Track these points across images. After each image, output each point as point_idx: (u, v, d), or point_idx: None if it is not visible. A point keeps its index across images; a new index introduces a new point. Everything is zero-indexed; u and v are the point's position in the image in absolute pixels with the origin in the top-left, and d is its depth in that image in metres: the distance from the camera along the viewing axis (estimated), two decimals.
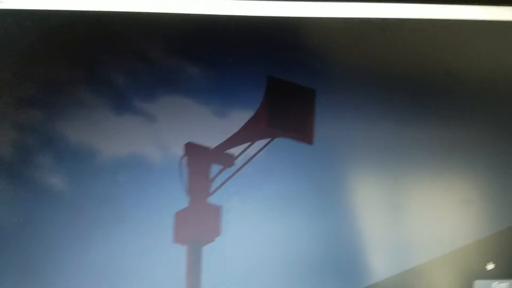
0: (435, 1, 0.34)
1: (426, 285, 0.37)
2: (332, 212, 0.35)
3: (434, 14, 0.34)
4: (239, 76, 0.34)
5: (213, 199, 0.35)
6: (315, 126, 0.35)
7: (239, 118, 0.34)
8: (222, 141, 0.34)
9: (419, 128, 0.35)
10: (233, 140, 0.34)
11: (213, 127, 0.34)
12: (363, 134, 0.35)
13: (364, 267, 0.36)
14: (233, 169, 0.35)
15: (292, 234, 0.35)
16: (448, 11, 0.34)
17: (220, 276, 0.35)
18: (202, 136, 0.34)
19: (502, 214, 0.36)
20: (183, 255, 0.34)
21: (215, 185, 0.35)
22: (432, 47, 0.35)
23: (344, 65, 0.34)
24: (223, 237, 0.35)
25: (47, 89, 0.33)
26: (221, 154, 0.34)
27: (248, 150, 0.35)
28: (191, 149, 0.34)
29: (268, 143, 0.35)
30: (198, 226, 0.34)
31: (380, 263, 0.36)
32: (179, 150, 0.34)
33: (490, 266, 0.36)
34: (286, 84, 0.34)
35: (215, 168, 0.35)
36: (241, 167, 0.35)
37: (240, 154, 0.35)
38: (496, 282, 0.36)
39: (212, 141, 0.34)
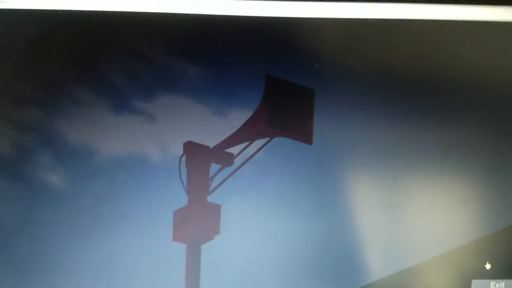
0: (434, 2, 0.34)
1: (424, 284, 0.37)
2: (331, 211, 0.35)
3: (433, 15, 0.34)
4: (238, 76, 0.34)
5: (212, 198, 0.35)
6: (314, 126, 0.35)
7: (238, 117, 0.34)
8: (221, 140, 0.34)
9: (418, 129, 0.35)
10: (232, 140, 0.35)
11: (212, 126, 0.34)
12: (362, 134, 0.35)
13: (362, 266, 0.36)
14: (232, 168, 0.35)
15: (290, 233, 0.35)
16: (447, 12, 0.34)
17: (218, 274, 0.35)
18: (201, 135, 0.34)
19: (500, 214, 0.36)
20: (182, 253, 0.35)
21: (214, 184, 0.35)
22: (431, 48, 0.35)
23: (343, 65, 0.34)
24: (222, 235, 0.35)
25: (47, 89, 0.33)
26: (220, 153, 0.35)
27: (247, 149, 0.35)
28: (190, 148, 0.34)
29: (267, 142, 0.35)
30: (197, 224, 0.35)
31: (378, 262, 0.36)
32: (179, 149, 0.34)
33: (488, 266, 0.36)
34: (285, 84, 0.34)
35: (214, 167, 0.35)
36: (240, 166, 0.35)
37: (239, 154, 0.35)
38: (494, 282, 0.37)
39: (211, 140, 0.34)
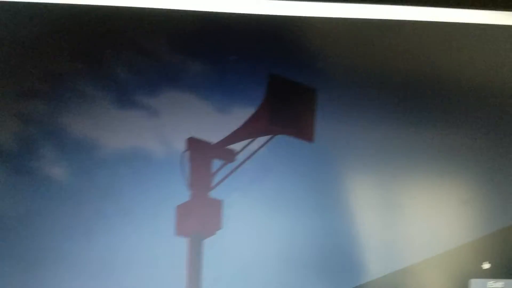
0: (436, 4, 0.34)
1: (423, 283, 0.37)
2: (331, 208, 0.36)
3: (436, 17, 0.35)
4: (241, 74, 0.34)
5: (214, 194, 0.35)
6: (315, 124, 0.35)
7: (240, 114, 0.35)
8: (223, 136, 0.35)
9: (419, 129, 0.35)
10: (235, 136, 0.35)
11: (215, 123, 0.35)
12: (363, 133, 0.35)
13: (362, 264, 0.36)
14: (234, 164, 0.35)
15: (291, 229, 0.36)
16: (449, 15, 0.35)
17: (220, 268, 0.35)
18: (204, 132, 0.35)
19: (498, 214, 0.36)
20: (184, 248, 0.35)
21: (216, 179, 0.35)
22: (434, 49, 0.35)
23: (345, 64, 0.35)
24: (223, 230, 0.35)
25: (51, 82, 0.34)
26: (222, 150, 0.35)
27: (249, 146, 0.35)
28: (193, 144, 0.35)
29: (269, 140, 0.35)
30: (199, 219, 0.35)
31: (377, 261, 0.36)
32: (181, 145, 0.35)
33: (486, 266, 0.37)
34: (287, 82, 0.35)
35: (216, 163, 0.35)
36: (242, 163, 0.35)
37: (241, 150, 0.35)
38: (492, 281, 0.37)
39: (214, 137, 0.35)
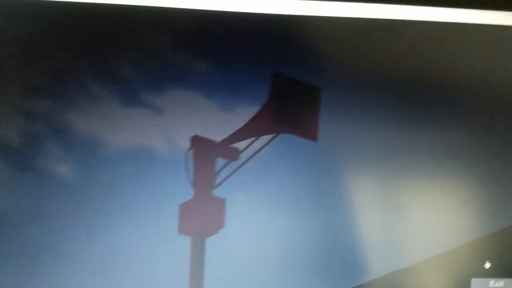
0: (441, 4, 0.35)
1: (424, 282, 0.37)
2: (334, 208, 0.36)
3: (440, 17, 0.35)
4: (245, 72, 0.34)
5: (217, 192, 0.35)
6: (319, 123, 0.35)
7: (244, 113, 0.35)
8: (227, 135, 0.35)
9: (422, 129, 0.36)
10: (238, 135, 0.35)
11: (219, 121, 0.35)
12: (366, 132, 0.35)
13: (363, 264, 0.36)
14: (237, 163, 0.35)
15: (294, 228, 0.36)
16: (453, 15, 0.35)
17: (222, 267, 0.35)
18: (208, 130, 0.35)
19: (500, 213, 0.37)
20: (187, 246, 0.35)
21: (219, 178, 0.35)
22: (438, 49, 0.35)
23: (349, 63, 0.35)
24: (226, 229, 0.35)
25: (56, 80, 0.33)
26: (226, 148, 0.35)
27: (253, 145, 0.35)
28: (197, 142, 0.35)
29: (273, 138, 0.35)
30: (202, 218, 0.35)
31: (379, 260, 0.36)
32: (185, 143, 0.35)
33: (487, 265, 0.37)
34: (291, 81, 0.35)
35: (220, 161, 0.35)
36: (245, 162, 0.35)
37: (245, 149, 0.35)
38: (493, 281, 0.37)
39: (217, 135, 0.35)
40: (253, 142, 0.35)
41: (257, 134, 0.35)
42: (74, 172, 0.34)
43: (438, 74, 0.35)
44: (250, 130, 0.35)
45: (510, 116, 0.36)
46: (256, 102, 0.35)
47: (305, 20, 0.34)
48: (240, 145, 0.35)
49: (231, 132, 0.35)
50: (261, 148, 0.35)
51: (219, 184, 0.35)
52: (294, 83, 0.35)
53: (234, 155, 0.35)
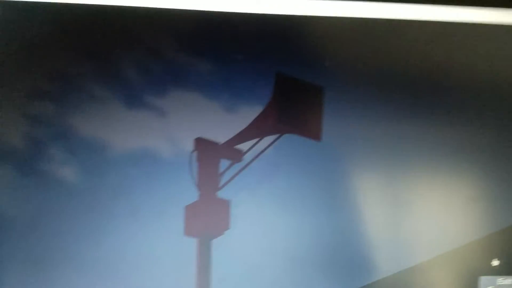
0: (443, 3, 0.34)
1: (432, 280, 0.37)
2: (339, 207, 0.36)
3: (442, 16, 0.35)
4: (248, 73, 0.34)
5: (222, 194, 0.35)
6: (323, 123, 0.35)
7: (248, 114, 0.35)
8: (231, 136, 0.35)
9: (427, 127, 0.35)
10: (242, 136, 0.35)
11: (223, 122, 0.35)
12: (370, 131, 0.35)
13: (370, 263, 0.36)
14: (241, 164, 0.35)
15: (299, 228, 0.36)
16: (456, 14, 0.35)
17: (228, 268, 0.35)
18: (212, 132, 0.35)
19: (508, 211, 0.36)
20: (193, 247, 0.35)
21: (224, 179, 0.35)
22: (441, 48, 0.35)
23: (352, 63, 0.35)
24: (231, 230, 0.35)
25: (60, 83, 0.34)
26: (230, 150, 0.35)
27: (257, 145, 0.35)
28: (201, 144, 0.35)
29: (277, 139, 0.35)
30: (207, 219, 0.35)
31: (386, 259, 0.36)
32: (189, 145, 0.35)
33: (495, 263, 0.37)
34: (295, 81, 0.35)
35: (224, 163, 0.35)
36: (249, 163, 0.35)
37: (249, 150, 0.35)
38: (501, 278, 0.37)
39: (221, 137, 0.35)
40: (256, 143, 0.35)
41: (261, 134, 0.35)
42: (79, 175, 0.34)
43: (442, 72, 0.35)
44: (254, 130, 0.35)
45: None
46: (259, 102, 0.35)
47: (307, 20, 0.34)
48: (244, 146, 0.35)
49: (234, 133, 0.35)
50: (265, 148, 0.35)
51: (223, 186, 0.35)
52: (297, 83, 0.35)
53: (238, 156, 0.35)
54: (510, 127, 0.36)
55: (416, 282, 0.37)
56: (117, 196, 0.34)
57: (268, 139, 0.35)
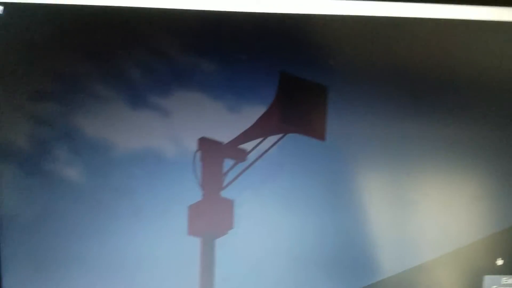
0: (447, 1, 0.34)
1: (437, 280, 0.37)
2: (343, 207, 0.36)
3: (446, 14, 0.34)
4: (252, 72, 0.34)
5: (226, 193, 0.35)
6: (327, 122, 0.35)
7: (252, 113, 0.35)
8: (235, 136, 0.35)
9: (431, 126, 0.35)
10: (246, 136, 0.35)
11: (226, 122, 0.35)
12: (374, 131, 0.35)
13: (374, 262, 0.36)
14: (245, 164, 0.35)
15: (303, 228, 0.36)
16: (459, 11, 0.35)
17: (232, 268, 0.35)
18: (216, 131, 0.35)
19: None
20: (196, 247, 0.35)
21: (228, 179, 0.35)
22: (445, 46, 0.35)
23: (356, 62, 0.34)
24: (235, 230, 0.35)
25: (64, 84, 0.34)
26: (234, 149, 0.35)
27: (261, 145, 0.35)
28: (205, 143, 0.35)
29: (280, 138, 0.35)
30: (211, 219, 0.35)
31: (390, 258, 0.36)
32: (193, 145, 0.35)
33: (500, 262, 0.37)
34: (298, 80, 0.34)
35: (228, 162, 0.35)
36: (253, 162, 0.35)
37: (252, 149, 0.35)
38: (505, 278, 0.37)
39: (225, 136, 0.35)
40: (260, 142, 0.35)
41: (265, 134, 0.35)
42: (83, 175, 0.34)
43: (447, 70, 0.35)
44: (258, 130, 0.35)
45: None
46: (263, 102, 0.35)
47: (311, 19, 0.34)
48: (248, 145, 0.35)
49: (238, 132, 0.35)
50: (269, 148, 0.35)
51: (227, 185, 0.35)
52: (301, 82, 0.35)
53: (241, 155, 0.35)
54: None
55: (420, 282, 0.37)
56: (121, 195, 0.35)
57: (271, 139, 0.35)
